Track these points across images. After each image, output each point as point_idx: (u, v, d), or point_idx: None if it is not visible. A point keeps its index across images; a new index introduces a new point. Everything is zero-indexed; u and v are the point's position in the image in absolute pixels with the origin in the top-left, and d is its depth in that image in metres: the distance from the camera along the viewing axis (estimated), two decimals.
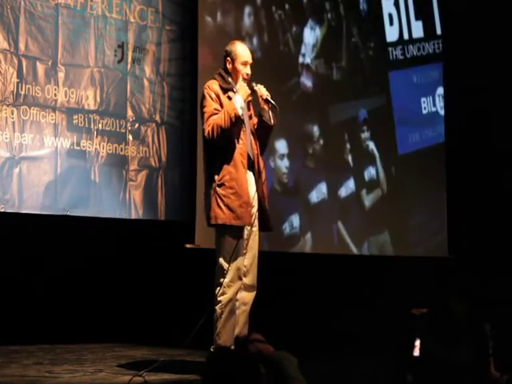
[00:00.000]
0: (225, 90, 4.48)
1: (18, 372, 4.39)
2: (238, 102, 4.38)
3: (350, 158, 7.32)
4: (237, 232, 4.39)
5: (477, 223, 7.35)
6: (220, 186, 4.36)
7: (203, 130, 4.41)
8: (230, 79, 4.52)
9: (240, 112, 4.36)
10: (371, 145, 7.45)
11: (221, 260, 4.38)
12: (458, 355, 2.71)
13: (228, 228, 4.37)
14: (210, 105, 4.42)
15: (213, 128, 4.34)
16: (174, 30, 6.52)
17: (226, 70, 4.56)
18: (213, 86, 4.48)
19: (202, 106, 4.48)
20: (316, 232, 6.97)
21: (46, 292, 5.72)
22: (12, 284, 5.55)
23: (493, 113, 7.51)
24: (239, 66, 4.52)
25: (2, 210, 5.48)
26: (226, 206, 4.34)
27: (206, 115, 4.41)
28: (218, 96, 4.45)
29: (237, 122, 4.37)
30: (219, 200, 4.35)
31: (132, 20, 6.29)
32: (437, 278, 6.65)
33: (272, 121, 4.55)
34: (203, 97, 4.48)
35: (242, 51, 4.55)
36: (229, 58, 4.54)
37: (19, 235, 5.59)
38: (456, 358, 2.70)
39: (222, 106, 4.43)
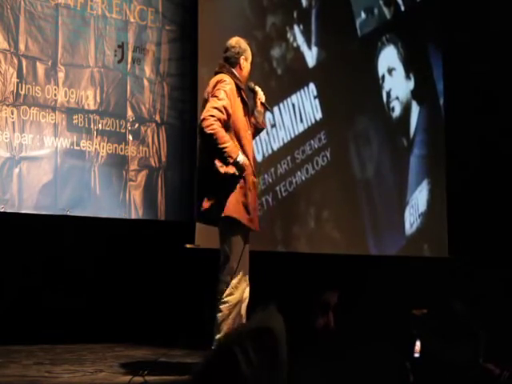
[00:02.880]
0: (238, 89, 4.45)
1: (18, 372, 4.38)
2: (240, 160, 4.31)
3: None
4: (246, 233, 4.40)
5: (477, 223, 7.33)
6: (239, 185, 4.33)
7: (203, 113, 4.29)
8: (240, 78, 4.49)
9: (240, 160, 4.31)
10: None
11: (232, 259, 4.33)
12: (458, 355, 2.71)
13: (240, 226, 4.35)
14: (223, 98, 4.31)
15: (213, 131, 4.24)
16: (173, 29, 6.52)
17: (233, 67, 4.49)
18: (232, 82, 4.39)
19: (215, 92, 4.34)
20: (312, 233, 6.92)
21: (45, 292, 5.71)
22: (12, 284, 5.55)
23: (493, 113, 7.50)
24: (248, 66, 4.53)
25: (2, 210, 5.48)
26: (245, 206, 4.32)
27: (213, 103, 4.29)
28: (232, 94, 4.36)
29: (225, 159, 4.30)
30: (240, 196, 4.31)
31: (132, 20, 6.29)
32: (437, 278, 6.65)
33: (264, 124, 4.65)
34: (220, 85, 4.35)
35: (250, 51, 4.56)
36: (243, 56, 4.50)
37: (19, 235, 5.58)
38: (456, 358, 2.69)
39: (231, 104, 4.36)
